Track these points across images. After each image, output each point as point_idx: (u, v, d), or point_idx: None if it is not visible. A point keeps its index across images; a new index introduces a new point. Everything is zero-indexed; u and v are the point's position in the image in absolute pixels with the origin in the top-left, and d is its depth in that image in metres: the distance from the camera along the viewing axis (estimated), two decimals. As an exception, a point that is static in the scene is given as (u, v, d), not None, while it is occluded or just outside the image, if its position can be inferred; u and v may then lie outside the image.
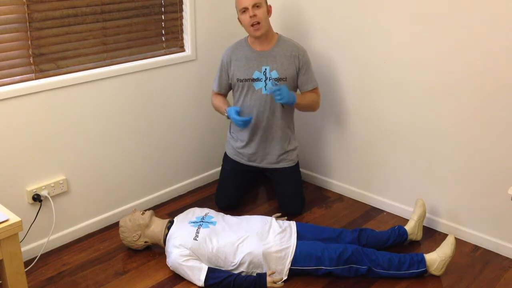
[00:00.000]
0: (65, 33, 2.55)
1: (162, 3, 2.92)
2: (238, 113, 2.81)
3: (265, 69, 2.84)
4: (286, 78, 2.86)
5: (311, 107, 2.97)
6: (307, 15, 3.16)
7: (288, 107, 2.95)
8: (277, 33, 2.92)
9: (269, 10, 2.83)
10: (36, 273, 2.53)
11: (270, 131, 2.93)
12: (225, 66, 2.91)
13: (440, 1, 2.58)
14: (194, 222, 2.60)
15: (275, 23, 3.07)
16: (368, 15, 2.88)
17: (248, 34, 2.89)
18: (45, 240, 2.63)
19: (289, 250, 2.47)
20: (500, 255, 2.70)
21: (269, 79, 2.83)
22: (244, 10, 2.74)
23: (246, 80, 2.85)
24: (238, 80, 2.87)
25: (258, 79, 2.85)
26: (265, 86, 2.85)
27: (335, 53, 3.09)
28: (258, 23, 2.74)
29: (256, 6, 2.72)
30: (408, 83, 2.82)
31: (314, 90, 2.95)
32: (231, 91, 3.02)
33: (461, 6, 2.52)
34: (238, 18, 2.83)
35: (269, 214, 2.86)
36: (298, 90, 2.97)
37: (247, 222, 2.65)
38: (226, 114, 2.88)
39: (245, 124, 2.80)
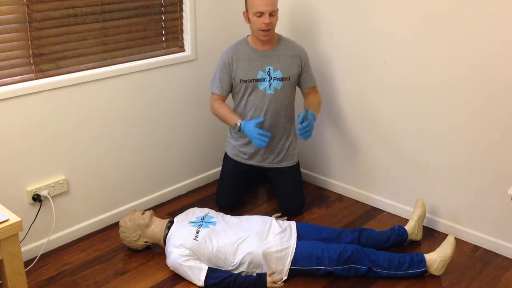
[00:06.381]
0: (65, 33, 2.55)
1: (162, 3, 2.92)
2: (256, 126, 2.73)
3: (269, 69, 2.84)
4: (289, 77, 2.86)
5: (319, 109, 2.99)
6: (307, 15, 3.16)
7: (291, 106, 2.96)
8: (276, 33, 2.92)
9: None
10: (36, 273, 2.52)
11: (273, 130, 2.92)
12: (228, 67, 2.86)
13: (441, 1, 2.58)
14: (194, 222, 2.60)
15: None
16: (368, 15, 2.88)
17: (248, 34, 2.90)
18: (45, 240, 2.63)
19: (289, 250, 2.47)
20: (500, 255, 2.71)
21: (273, 79, 2.83)
22: (260, 14, 2.72)
23: (250, 80, 2.84)
24: (241, 81, 2.85)
25: (262, 79, 2.84)
26: (269, 86, 2.84)
27: (335, 53, 3.09)
28: (269, 29, 2.75)
29: (271, 14, 2.72)
30: (408, 83, 2.82)
31: (315, 88, 2.96)
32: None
33: (461, 6, 2.52)
34: (247, 16, 2.80)
35: (269, 214, 2.86)
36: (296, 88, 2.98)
37: (247, 222, 2.65)
38: (238, 126, 2.79)
39: (263, 141, 2.71)
